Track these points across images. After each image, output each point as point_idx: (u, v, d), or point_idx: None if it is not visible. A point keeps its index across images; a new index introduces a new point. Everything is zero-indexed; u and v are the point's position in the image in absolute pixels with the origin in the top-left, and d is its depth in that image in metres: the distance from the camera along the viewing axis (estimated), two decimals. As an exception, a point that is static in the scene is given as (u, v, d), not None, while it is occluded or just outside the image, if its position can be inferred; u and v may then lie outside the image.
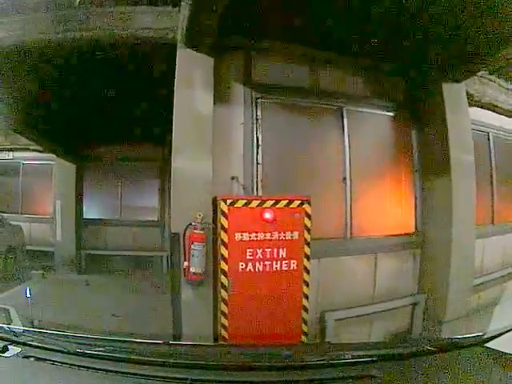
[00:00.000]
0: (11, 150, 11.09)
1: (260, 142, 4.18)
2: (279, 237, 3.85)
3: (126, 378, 1.52)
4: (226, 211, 3.68)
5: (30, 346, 1.73)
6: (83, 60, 4.89)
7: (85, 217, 10.27)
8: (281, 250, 3.85)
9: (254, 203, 3.77)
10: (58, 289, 8.13)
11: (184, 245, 3.60)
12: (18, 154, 11.19)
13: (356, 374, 1.55)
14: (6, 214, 9.20)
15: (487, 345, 1.72)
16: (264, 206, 3.79)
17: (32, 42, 4.47)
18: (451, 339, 1.92)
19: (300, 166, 4.44)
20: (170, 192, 9.22)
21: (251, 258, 3.75)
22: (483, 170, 6.07)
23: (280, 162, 4.36)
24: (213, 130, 3.80)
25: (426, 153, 5.20)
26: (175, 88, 3.89)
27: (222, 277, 3.70)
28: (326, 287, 4.35)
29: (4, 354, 1.66)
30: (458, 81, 5.09)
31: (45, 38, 4.39)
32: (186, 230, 3.58)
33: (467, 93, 5.40)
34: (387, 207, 5.04)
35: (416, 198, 5.20)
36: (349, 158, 4.62)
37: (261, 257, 3.78)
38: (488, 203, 6.26)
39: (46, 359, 1.64)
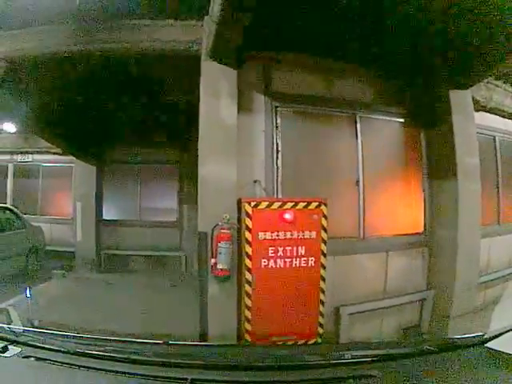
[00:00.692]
0: (30, 152, 11.38)
1: (279, 148, 4.49)
2: (298, 236, 4.15)
3: (126, 377, 1.52)
4: (250, 212, 4.00)
5: (30, 345, 1.73)
6: (111, 70, 5.23)
7: (104, 218, 10.45)
8: (300, 248, 4.15)
9: (276, 205, 4.09)
10: (81, 287, 8.40)
11: (212, 243, 3.92)
12: (37, 157, 11.46)
13: (356, 373, 1.54)
14: (26, 215, 9.40)
15: (487, 345, 1.71)
16: (284, 207, 4.10)
17: (64, 52, 4.79)
18: (451, 339, 1.89)
19: (316, 170, 4.72)
20: (184, 193, 9.67)
21: (273, 255, 4.06)
22: (490, 172, 6.32)
23: (298, 166, 4.65)
24: (236, 137, 4.11)
25: (433, 156, 5.43)
26: (201, 98, 4.20)
27: (246, 273, 4.02)
28: (341, 283, 4.62)
29: (4, 354, 1.66)
30: (464, 88, 5.32)
31: (76, 48, 4.71)
32: (213, 229, 3.91)
33: (473, 98, 5.63)
34: (397, 208, 5.29)
35: (424, 199, 5.44)
36: (362, 162, 4.91)
37: (281, 254, 4.09)
38: (494, 204, 6.47)
39: (45, 359, 1.64)
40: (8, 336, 1.78)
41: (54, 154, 10.66)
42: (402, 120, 5.38)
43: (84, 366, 1.58)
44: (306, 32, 4.15)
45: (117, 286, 8.52)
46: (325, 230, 4.24)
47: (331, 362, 1.68)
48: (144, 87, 5.76)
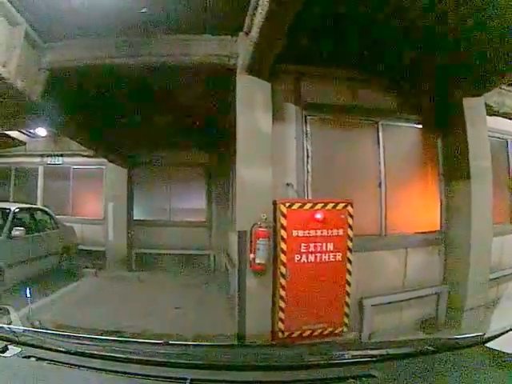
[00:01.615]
0: (61, 155, 11.83)
1: (309, 153, 4.94)
2: (327, 233, 4.60)
3: (126, 377, 1.53)
4: (285, 212, 4.45)
5: (30, 345, 1.74)
6: (148, 81, 5.69)
7: (135, 218, 10.82)
8: (328, 244, 4.60)
9: (307, 205, 4.54)
10: (114, 285, 8.81)
11: (251, 240, 4.39)
12: (67, 159, 11.90)
13: (356, 373, 1.54)
14: (58, 216, 9.76)
15: (487, 345, 1.71)
16: (315, 207, 4.55)
17: (106, 64, 5.19)
18: (451, 339, 1.90)
19: (342, 173, 5.16)
20: (212, 193, 10.06)
21: (305, 250, 4.52)
22: (502, 173, 6.68)
23: (326, 170, 5.08)
24: (271, 144, 4.57)
25: (449, 160, 5.81)
26: (237, 109, 4.66)
27: (281, 267, 4.48)
28: (364, 277, 5.03)
29: (4, 354, 1.66)
30: (477, 95, 5.68)
31: (119, 61, 5.09)
32: (252, 228, 4.37)
33: (486, 104, 6.00)
34: (416, 208, 5.69)
35: (440, 199, 5.83)
36: (383, 166, 5.33)
37: (312, 250, 4.55)
38: (506, 204, 6.82)
39: (46, 359, 1.64)
40: (8, 336, 1.79)
41: (85, 156, 11.09)
42: (419, 126, 5.78)
43: (84, 366, 1.58)
44: (334, 47, 4.57)
45: (149, 283, 8.91)
46: (351, 228, 4.68)
47: (331, 362, 1.69)
48: (177, 96, 6.22)
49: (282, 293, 4.51)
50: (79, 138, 8.26)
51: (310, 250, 4.55)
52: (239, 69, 4.73)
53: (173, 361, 1.65)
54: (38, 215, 8.82)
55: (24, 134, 11.09)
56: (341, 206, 4.65)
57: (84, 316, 6.01)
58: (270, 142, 4.57)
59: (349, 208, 4.66)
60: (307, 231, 4.53)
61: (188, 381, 1.46)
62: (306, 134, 4.98)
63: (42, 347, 1.73)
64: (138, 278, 9.33)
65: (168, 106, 6.52)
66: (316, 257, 4.57)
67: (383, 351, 1.75)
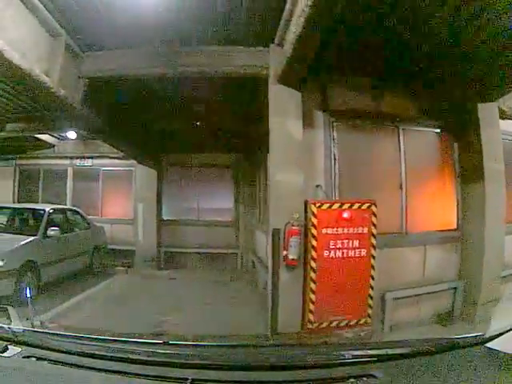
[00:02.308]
0: (91, 157, 12.22)
1: (336, 157, 5.35)
2: (353, 231, 4.99)
3: (126, 377, 1.53)
4: (316, 212, 4.86)
5: (30, 345, 1.74)
6: (183, 89, 6.11)
7: (164, 218, 11.18)
8: (354, 241, 5.00)
9: (336, 205, 4.95)
10: (144, 283, 9.19)
11: (284, 238, 4.79)
12: (96, 161, 12.28)
13: (356, 373, 1.54)
14: (90, 217, 10.22)
15: (487, 345, 1.71)
16: (342, 207, 4.95)
17: (145, 73, 5.63)
18: (451, 339, 1.89)
19: (367, 176, 5.56)
20: (239, 194, 10.42)
21: (333, 247, 4.92)
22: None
23: (351, 173, 5.48)
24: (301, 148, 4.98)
25: (465, 162, 6.15)
26: (270, 117, 5.07)
27: (312, 262, 4.89)
28: (386, 272, 5.38)
29: (4, 354, 1.66)
30: (490, 101, 6.00)
31: (158, 71, 5.51)
32: (285, 226, 4.77)
33: (500, 109, 6.33)
34: (434, 207, 6.07)
35: (457, 199, 6.19)
36: (404, 169, 5.72)
37: (340, 246, 4.95)
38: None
39: (46, 359, 1.65)
40: (8, 336, 1.78)
41: (114, 158, 11.53)
42: (437, 131, 6.15)
43: (84, 366, 1.59)
44: (359, 58, 4.98)
45: (178, 281, 9.30)
46: (374, 226, 5.07)
47: (331, 362, 1.69)
48: (209, 103, 6.65)
49: (312, 286, 4.91)
50: (113, 142, 8.65)
51: (338, 247, 4.94)
52: (271, 79, 5.12)
53: (173, 361, 1.65)
54: (71, 216, 9.22)
55: (53, 136, 11.49)
56: (365, 205, 5.04)
57: (119, 312, 6.49)
58: (301, 147, 4.96)
59: (372, 208, 5.05)
60: (335, 229, 4.93)
61: (189, 381, 1.46)
62: (333, 139, 5.38)
63: (42, 347, 1.73)
64: (167, 275, 9.67)
65: (199, 112, 6.95)
66: (343, 253, 4.97)
67: (383, 351, 1.74)
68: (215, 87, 6.17)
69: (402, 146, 5.75)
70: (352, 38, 4.68)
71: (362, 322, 5.13)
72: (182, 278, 9.59)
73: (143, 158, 10.36)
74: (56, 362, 1.62)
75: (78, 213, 9.59)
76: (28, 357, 1.66)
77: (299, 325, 4.98)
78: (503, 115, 6.54)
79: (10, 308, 2.15)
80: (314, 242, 4.86)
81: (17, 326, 1.95)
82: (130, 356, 1.66)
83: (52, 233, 7.55)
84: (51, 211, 8.19)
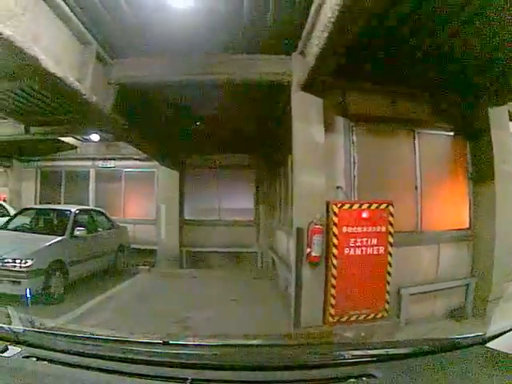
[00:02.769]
0: (113, 159, 12.53)
1: (355, 160, 5.64)
2: (371, 230, 5.29)
3: (126, 377, 1.53)
4: (337, 212, 5.16)
5: (30, 345, 1.74)
6: (211, 94, 6.42)
7: (186, 218, 11.51)
8: (373, 239, 5.30)
9: (355, 206, 5.25)
10: (168, 280, 9.44)
11: (307, 236, 5.10)
12: (119, 163, 12.59)
13: (356, 373, 1.55)
14: (113, 217, 10.42)
15: (487, 345, 1.71)
16: (361, 207, 5.25)
17: (174, 80, 5.92)
18: (451, 339, 1.89)
19: (384, 177, 5.85)
20: (259, 194, 10.72)
21: (353, 245, 5.22)
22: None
23: (370, 174, 5.77)
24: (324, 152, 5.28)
25: (476, 163, 6.42)
26: (293, 122, 5.38)
27: (333, 259, 5.19)
28: (403, 268, 5.68)
29: (4, 354, 1.66)
30: (501, 105, 6.25)
31: (186, 78, 5.80)
32: (309, 225, 5.07)
33: (510, 112, 6.56)
34: (447, 207, 6.35)
35: (469, 199, 6.46)
36: (419, 170, 6.01)
37: (359, 244, 5.25)
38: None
39: (46, 359, 1.65)
40: (8, 336, 1.79)
41: (136, 160, 11.83)
42: (450, 133, 6.43)
43: (84, 366, 1.59)
44: (378, 66, 5.25)
45: (201, 279, 9.55)
46: (391, 225, 5.37)
47: (331, 361, 1.69)
48: (232, 108, 6.96)
49: (333, 282, 5.21)
50: (138, 145, 8.95)
51: (357, 245, 5.25)
52: (294, 86, 5.42)
53: (173, 361, 1.66)
54: (96, 216, 9.47)
55: (76, 139, 11.85)
56: (383, 206, 5.34)
57: (144, 309, 6.75)
58: (323, 151, 5.26)
59: (390, 208, 5.35)
60: (355, 228, 5.23)
61: (189, 381, 1.47)
62: (353, 142, 5.69)
63: (42, 347, 1.74)
64: (190, 274, 9.92)
65: (221, 115, 7.25)
66: (362, 250, 5.27)
67: (383, 351, 1.75)
68: (237, 92, 6.45)
69: (417, 149, 6.04)
70: (372, 50, 4.96)
71: (379, 315, 5.43)
72: (204, 276, 9.85)
73: (166, 160, 10.63)
74: (56, 362, 1.64)
75: (102, 213, 9.85)
76: (28, 357, 1.67)
77: (321, 318, 5.28)
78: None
79: (10, 308, 2.14)
80: (335, 240, 5.17)
81: (17, 326, 1.96)
82: (130, 356, 1.67)
83: (78, 233, 7.81)
84: (77, 212, 8.45)
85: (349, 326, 5.25)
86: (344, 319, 5.27)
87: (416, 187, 6.02)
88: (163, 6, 4.52)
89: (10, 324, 1.96)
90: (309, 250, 5.10)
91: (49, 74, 4.41)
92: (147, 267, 10.34)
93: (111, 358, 1.66)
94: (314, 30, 4.53)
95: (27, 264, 6.36)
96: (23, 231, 8.12)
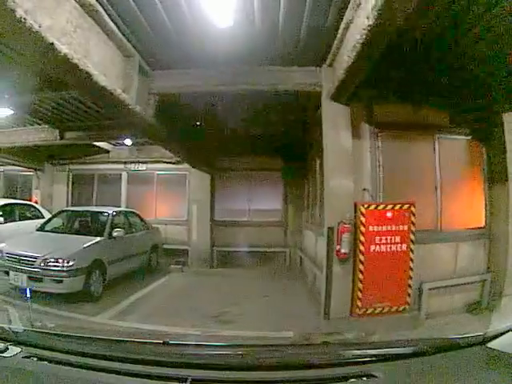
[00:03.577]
0: (145, 162, 12.94)
1: (380, 164, 6.09)
2: (395, 228, 5.76)
3: (126, 377, 1.54)
4: (364, 212, 5.62)
5: (30, 345, 1.75)
6: (244, 103, 6.88)
7: (217, 219, 11.90)
8: (396, 237, 5.77)
9: (381, 206, 5.72)
10: (201, 279, 9.90)
11: (337, 234, 5.54)
12: (150, 166, 13.00)
13: (356, 373, 1.55)
14: (146, 218, 10.76)
15: (487, 345, 1.72)
16: (386, 208, 5.70)
17: (209, 91, 6.36)
18: (451, 339, 1.90)
19: (407, 179, 6.30)
20: (287, 195, 11.15)
21: (378, 242, 5.70)
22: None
23: (394, 177, 6.23)
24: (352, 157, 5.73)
25: (491, 166, 6.79)
26: (323, 129, 5.86)
27: (360, 255, 5.66)
28: (423, 265, 6.10)
29: (4, 354, 1.67)
30: None
31: (222, 89, 6.24)
32: (339, 225, 5.53)
33: None
34: (465, 207, 6.77)
35: (485, 200, 6.85)
36: (439, 172, 6.44)
37: (384, 242, 5.73)
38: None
39: (46, 359, 1.66)
40: (8, 336, 1.80)
41: (168, 163, 12.27)
42: (468, 138, 6.85)
43: (84, 366, 1.60)
44: (402, 76, 5.68)
45: (233, 277, 9.96)
46: (413, 224, 5.82)
47: (331, 361, 1.70)
48: (264, 115, 7.44)
49: (360, 276, 5.68)
50: (173, 149, 9.46)
51: (382, 242, 5.72)
52: (324, 96, 5.89)
53: (173, 360, 1.67)
54: (131, 217, 9.83)
55: (109, 143, 12.35)
56: (405, 206, 5.81)
57: (181, 304, 7.17)
58: (351, 156, 5.71)
59: (412, 208, 5.81)
60: (380, 227, 5.70)
61: (189, 381, 1.48)
62: (377, 147, 6.15)
63: (42, 347, 1.76)
64: (221, 273, 10.38)
65: (253, 122, 7.73)
66: (386, 247, 5.75)
67: (383, 351, 1.76)
68: (267, 99, 6.89)
69: (436, 152, 6.49)
70: (399, 66, 5.38)
71: (401, 308, 5.87)
72: (235, 274, 10.30)
73: (198, 163, 11.10)
74: (56, 361, 1.65)
75: (136, 215, 10.21)
76: (28, 357, 1.68)
77: (348, 310, 5.75)
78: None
79: (9, 308, 2.19)
80: (362, 238, 5.63)
81: (17, 326, 1.98)
82: (130, 356, 1.68)
83: (116, 234, 8.13)
84: (114, 214, 8.84)
85: (373, 318, 5.68)
86: (369, 311, 5.74)
87: (436, 188, 6.45)
88: (205, 24, 4.83)
89: (9, 324, 2.00)
90: (338, 247, 5.57)
91: (100, 87, 4.81)
92: (180, 266, 10.66)
93: (111, 358, 1.68)
94: (342, 45, 5.00)
95: (69, 264, 6.66)
96: (61, 233, 8.48)
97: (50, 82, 6.33)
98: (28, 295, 2.80)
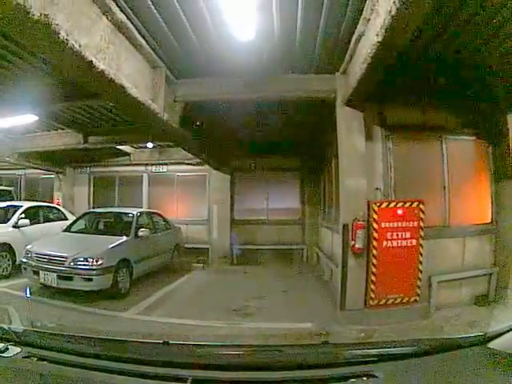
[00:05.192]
0: (166, 164, 13.43)
1: (391, 164, 6.51)
2: (405, 225, 6.17)
3: (127, 377, 1.55)
4: (376, 210, 6.05)
5: (30, 345, 1.76)
6: (264, 109, 7.29)
7: (236, 218, 12.40)
8: (406, 233, 6.19)
9: (392, 204, 6.14)
10: (223, 276, 10.40)
11: (352, 231, 5.91)
12: (171, 167, 13.50)
13: (356, 373, 1.56)
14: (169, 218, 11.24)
15: (488, 345, 1.73)
16: (397, 206, 6.10)
17: (232, 98, 6.84)
18: (451, 339, 1.92)
19: (417, 179, 6.74)
20: (305, 194, 11.61)
21: (390, 238, 6.13)
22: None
23: (404, 177, 6.67)
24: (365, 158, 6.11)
25: (497, 164, 7.19)
26: (338, 133, 6.31)
27: (373, 250, 6.11)
28: (432, 259, 6.50)
29: (4, 354, 1.68)
30: None
31: (244, 96, 6.71)
32: (353, 222, 5.91)
33: None
34: (472, 204, 7.19)
35: (491, 197, 7.24)
36: (447, 172, 6.85)
37: (395, 237, 6.15)
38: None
39: (46, 359, 1.67)
40: (8, 336, 1.81)
41: (188, 164, 12.73)
42: (474, 138, 7.25)
43: (84, 366, 1.61)
44: (412, 82, 6.07)
45: (252, 274, 10.43)
46: (422, 221, 6.24)
47: (331, 361, 1.70)
48: (282, 120, 7.87)
49: (373, 269, 6.12)
50: (195, 151, 9.93)
51: (394, 238, 6.15)
52: (338, 102, 6.34)
53: (173, 361, 1.67)
54: (154, 218, 10.30)
55: (132, 146, 12.82)
56: (415, 204, 6.23)
57: (205, 299, 7.70)
58: (364, 157, 6.10)
59: (421, 205, 6.23)
60: (391, 223, 6.14)
61: (189, 381, 1.48)
62: (389, 149, 6.59)
63: (42, 347, 1.76)
64: (242, 270, 10.80)
65: (274, 128, 8.17)
66: (397, 242, 6.18)
67: (383, 351, 1.76)
68: (285, 104, 7.29)
69: (444, 152, 6.92)
70: (403, 75, 5.75)
71: (412, 300, 6.26)
72: (255, 271, 10.73)
73: (218, 165, 11.59)
74: (56, 361, 1.65)
75: (159, 215, 10.71)
76: (28, 357, 1.69)
77: (363, 302, 6.18)
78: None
79: (9, 308, 2.20)
80: (375, 234, 6.06)
81: (17, 326, 2.00)
82: (130, 356, 1.69)
83: (142, 233, 8.56)
84: (139, 214, 9.31)
85: (386, 309, 6.04)
86: (382, 302, 6.15)
87: (444, 187, 6.84)
88: (227, 36, 5.16)
89: (10, 324, 2.01)
90: (353, 242, 5.99)
91: (132, 99, 5.18)
92: (201, 264, 11.19)
93: (111, 358, 1.68)
94: (355, 55, 5.41)
95: (99, 262, 7.04)
96: (87, 233, 8.93)
97: (80, 92, 6.73)
98: (28, 295, 3.10)
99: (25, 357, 1.68)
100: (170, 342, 1.88)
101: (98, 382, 1.54)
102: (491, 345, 1.73)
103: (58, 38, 3.50)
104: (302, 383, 1.56)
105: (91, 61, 4.04)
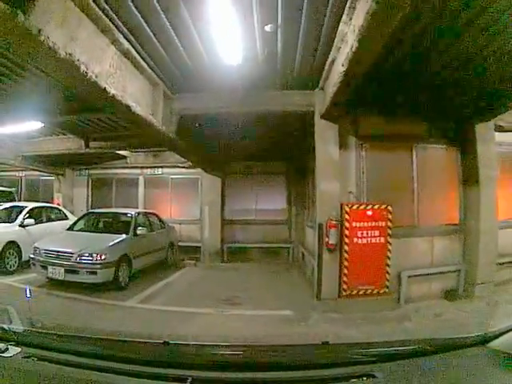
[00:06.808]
0: (161, 167, 14.74)
1: (364, 170, 7.78)
2: (374, 225, 7.39)
3: (127, 377, 1.60)
4: (348, 211, 7.29)
5: (30, 345, 1.82)
6: (252, 121, 8.57)
7: (226, 218, 13.69)
8: (375, 232, 7.41)
9: (362, 206, 7.39)
10: (213, 272, 11.64)
11: (326, 229, 7.15)
12: (166, 170, 14.83)
13: (356, 373, 1.60)
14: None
15: (488, 345, 1.78)
16: (367, 207, 7.35)
17: (223, 111, 8.03)
18: (451, 339, 1.97)
19: (387, 183, 7.94)
20: (291, 196, 13.36)
21: (360, 236, 7.37)
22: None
23: (376, 181, 7.87)
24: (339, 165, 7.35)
25: (465, 170, 8.35)
26: (316, 143, 7.52)
27: (345, 246, 7.35)
28: (402, 256, 7.69)
29: (4, 354, 1.73)
30: (486, 121, 8.07)
31: (233, 109, 7.90)
32: (327, 221, 7.15)
33: (498, 126, 8.35)
34: (440, 207, 8.39)
35: (460, 200, 8.42)
36: (416, 177, 8.08)
37: (365, 235, 7.38)
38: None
39: (46, 359, 1.73)
40: (8, 336, 1.87)
41: (182, 167, 14.01)
42: (443, 146, 8.45)
43: (84, 366, 1.67)
44: (383, 97, 7.24)
45: (241, 270, 11.75)
46: (390, 221, 7.43)
47: (331, 361, 1.75)
48: (268, 130, 9.28)
49: (346, 263, 7.36)
50: (189, 157, 11.29)
51: (363, 236, 7.38)
52: (316, 115, 7.58)
53: (173, 361, 1.72)
54: (151, 217, 11.48)
55: (130, 150, 13.98)
56: (383, 206, 7.44)
57: (197, 291, 8.94)
58: (338, 165, 7.32)
59: (388, 207, 7.43)
60: (362, 223, 7.37)
61: (189, 380, 1.54)
62: (361, 156, 7.85)
63: (42, 347, 1.81)
64: (231, 267, 12.12)
65: (261, 136, 9.57)
66: (367, 240, 7.40)
67: (384, 351, 1.82)
68: (276, 121, 8.71)
69: (414, 159, 8.15)
70: (376, 89, 6.92)
71: (382, 291, 7.47)
72: (244, 268, 12.15)
73: (211, 168, 12.98)
74: (56, 362, 1.71)
75: (155, 215, 11.95)
76: (28, 357, 1.73)
77: (336, 292, 7.37)
78: (501, 129, 8.58)
79: (10, 308, 2.25)
80: (347, 232, 7.31)
81: (17, 326, 2.06)
82: (130, 356, 1.75)
83: (140, 232, 9.75)
84: (137, 214, 10.54)
85: (358, 299, 7.23)
86: (354, 293, 7.35)
87: (413, 191, 8.08)
88: (217, 60, 6.11)
89: (10, 324, 2.07)
90: (327, 239, 7.20)
91: (135, 115, 6.26)
92: (193, 261, 12.47)
93: (111, 358, 1.74)
94: (330, 75, 6.55)
95: (102, 257, 8.12)
96: (89, 232, 10.01)
97: (86, 106, 7.94)
98: (28, 295, 3.27)
99: (25, 357, 1.74)
100: (170, 342, 1.94)
101: (97, 382, 1.60)
102: (491, 345, 1.80)
103: (79, 71, 4.42)
104: (302, 383, 1.63)
105: (104, 88, 5.07)
